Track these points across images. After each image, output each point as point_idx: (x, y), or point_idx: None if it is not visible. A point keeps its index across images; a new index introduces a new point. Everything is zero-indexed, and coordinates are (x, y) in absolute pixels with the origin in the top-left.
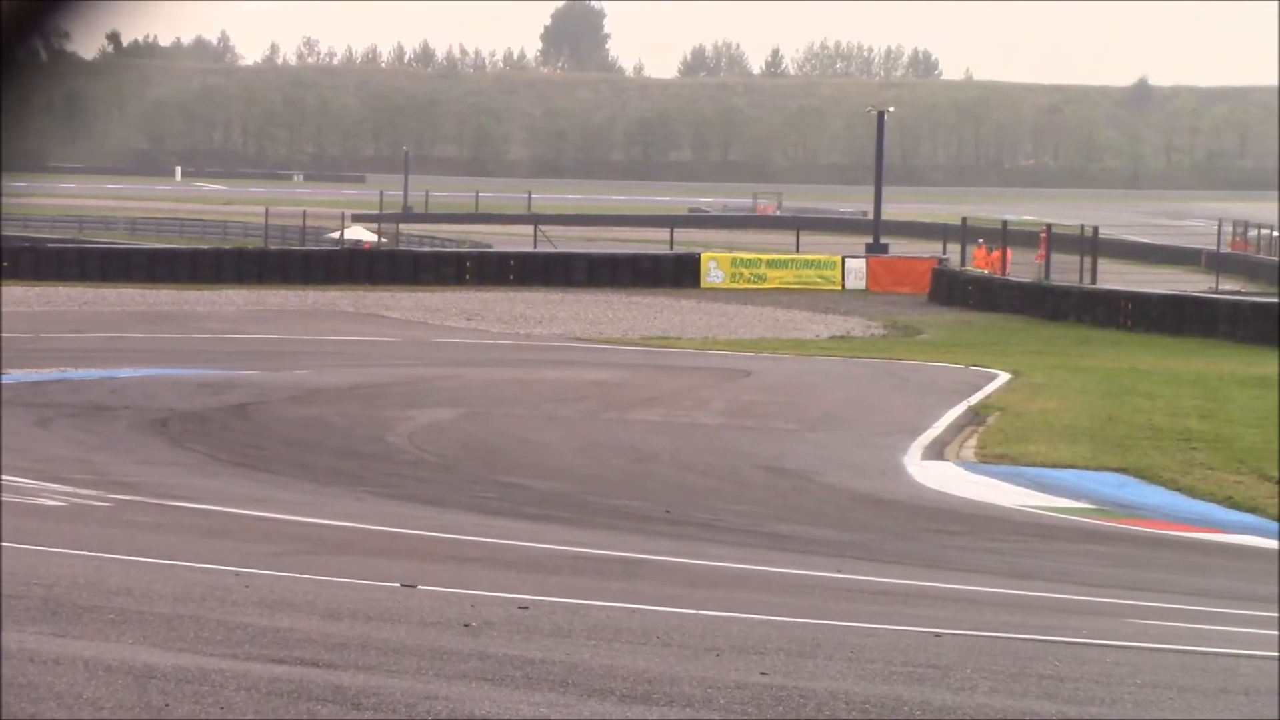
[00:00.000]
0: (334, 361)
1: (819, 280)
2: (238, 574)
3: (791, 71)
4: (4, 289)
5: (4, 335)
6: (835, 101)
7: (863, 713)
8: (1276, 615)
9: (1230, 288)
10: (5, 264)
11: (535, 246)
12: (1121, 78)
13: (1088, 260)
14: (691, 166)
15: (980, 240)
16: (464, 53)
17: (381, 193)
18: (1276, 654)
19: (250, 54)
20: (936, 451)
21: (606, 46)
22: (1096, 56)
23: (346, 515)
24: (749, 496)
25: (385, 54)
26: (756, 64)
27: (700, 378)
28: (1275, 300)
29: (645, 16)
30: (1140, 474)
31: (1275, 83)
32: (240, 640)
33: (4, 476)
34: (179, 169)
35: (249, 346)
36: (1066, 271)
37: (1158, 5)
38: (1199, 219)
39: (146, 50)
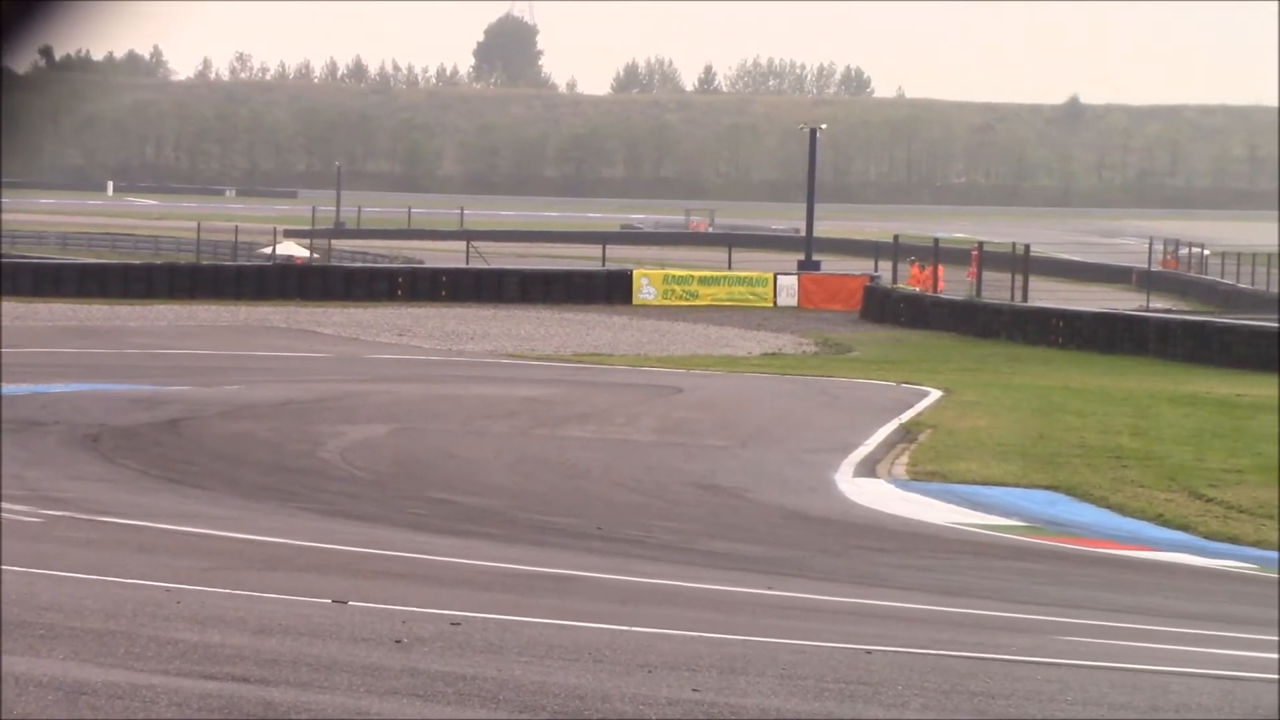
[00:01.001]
0: (266, 377)
1: (751, 297)
2: (169, 590)
3: (724, 88)
4: None
5: None
6: (767, 118)
7: None
8: (1208, 633)
9: (1161, 306)
10: None
11: (468, 263)
12: (1053, 96)
13: (1019, 278)
14: (624, 183)
15: (913, 258)
16: (397, 68)
17: (314, 208)
18: (1206, 672)
19: (183, 69)
20: (868, 469)
21: (539, 63)
22: (1029, 74)
23: (278, 531)
24: (680, 513)
25: (318, 69)
26: (689, 80)
27: (632, 394)
28: (1205, 319)
29: (578, 32)
30: (1071, 491)
31: (1203, 101)
32: (171, 656)
33: None
34: (111, 184)
35: (180, 362)
36: (998, 289)
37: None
38: (1130, 237)
39: (79, 64)
